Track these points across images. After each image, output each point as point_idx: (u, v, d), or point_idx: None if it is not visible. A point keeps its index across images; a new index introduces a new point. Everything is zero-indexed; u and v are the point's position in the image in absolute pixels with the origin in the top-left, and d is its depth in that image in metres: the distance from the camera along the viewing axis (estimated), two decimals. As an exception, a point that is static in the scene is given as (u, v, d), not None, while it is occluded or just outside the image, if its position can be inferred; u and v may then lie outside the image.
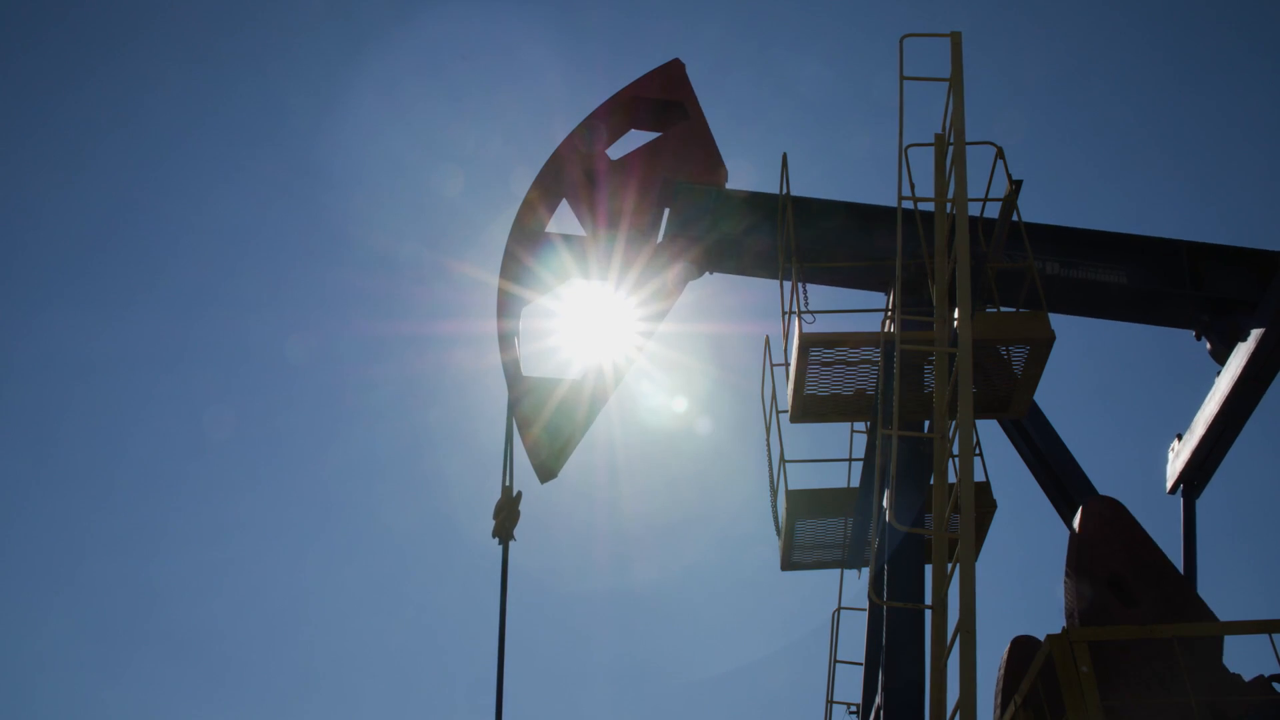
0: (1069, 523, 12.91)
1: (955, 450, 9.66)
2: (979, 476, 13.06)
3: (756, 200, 13.83)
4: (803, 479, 16.99)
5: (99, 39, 36.05)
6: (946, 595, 9.36)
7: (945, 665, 9.07)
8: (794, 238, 12.68)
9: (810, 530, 13.86)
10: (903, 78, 11.70)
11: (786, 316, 12.43)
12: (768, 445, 13.24)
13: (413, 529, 37.49)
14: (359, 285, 37.22)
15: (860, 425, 13.52)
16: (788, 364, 12.47)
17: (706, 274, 13.64)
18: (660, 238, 13.62)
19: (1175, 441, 13.96)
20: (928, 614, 10.18)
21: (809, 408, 12.38)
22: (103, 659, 34.78)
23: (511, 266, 13.37)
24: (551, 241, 13.65)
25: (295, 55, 36.71)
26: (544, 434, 12.17)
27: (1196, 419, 13.58)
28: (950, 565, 9.36)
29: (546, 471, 12.02)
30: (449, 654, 36.27)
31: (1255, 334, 12.51)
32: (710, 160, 14.40)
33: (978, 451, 12.82)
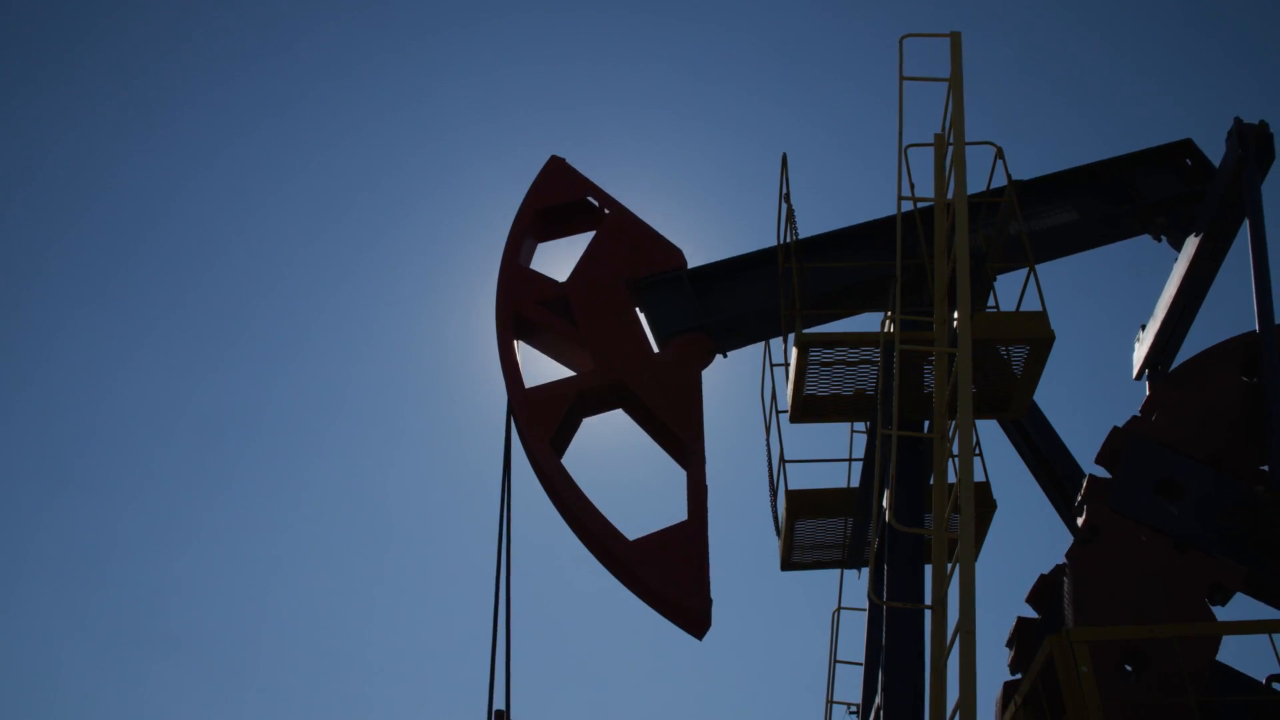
0: (1069, 523, 12.93)
1: (955, 450, 9.66)
2: (979, 476, 13.07)
3: (735, 266, 13.39)
4: (803, 479, 17.00)
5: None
6: (946, 595, 9.37)
7: (945, 665, 9.07)
8: (795, 241, 12.67)
9: (810, 530, 13.85)
10: (902, 78, 11.71)
11: (786, 316, 12.43)
12: (767, 445, 13.25)
13: (416, 528, 37.53)
14: (362, 288, 37.28)
15: (860, 425, 13.53)
16: (787, 364, 12.47)
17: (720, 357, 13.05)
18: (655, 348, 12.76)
19: (1140, 331, 14.72)
20: (928, 614, 10.18)
21: (809, 408, 12.38)
22: (106, 659, 34.79)
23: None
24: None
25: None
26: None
27: (1157, 306, 14.27)
28: (950, 565, 9.37)
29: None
30: (451, 654, 36.29)
31: (1206, 219, 13.37)
32: (655, 244, 13.47)
33: (978, 451, 12.83)
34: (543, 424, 12.01)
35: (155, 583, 35.92)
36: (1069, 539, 13.19)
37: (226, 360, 37.29)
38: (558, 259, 13.87)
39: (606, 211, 13.91)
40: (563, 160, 14.20)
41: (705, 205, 35.51)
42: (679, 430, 11.99)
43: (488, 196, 36.22)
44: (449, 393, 36.84)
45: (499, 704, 11.23)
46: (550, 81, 37.94)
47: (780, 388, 13.22)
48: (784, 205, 12.89)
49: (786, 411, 12.50)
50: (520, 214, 13.76)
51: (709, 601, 10.90)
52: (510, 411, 12.39)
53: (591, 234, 13.91)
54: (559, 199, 13.94)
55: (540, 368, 13.01)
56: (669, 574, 10.98)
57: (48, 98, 35.89)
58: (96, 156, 36.51)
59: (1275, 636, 9.37)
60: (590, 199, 13.99)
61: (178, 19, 36.12)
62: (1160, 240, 14.24)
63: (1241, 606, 12.90)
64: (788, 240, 12.69)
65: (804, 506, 13.56)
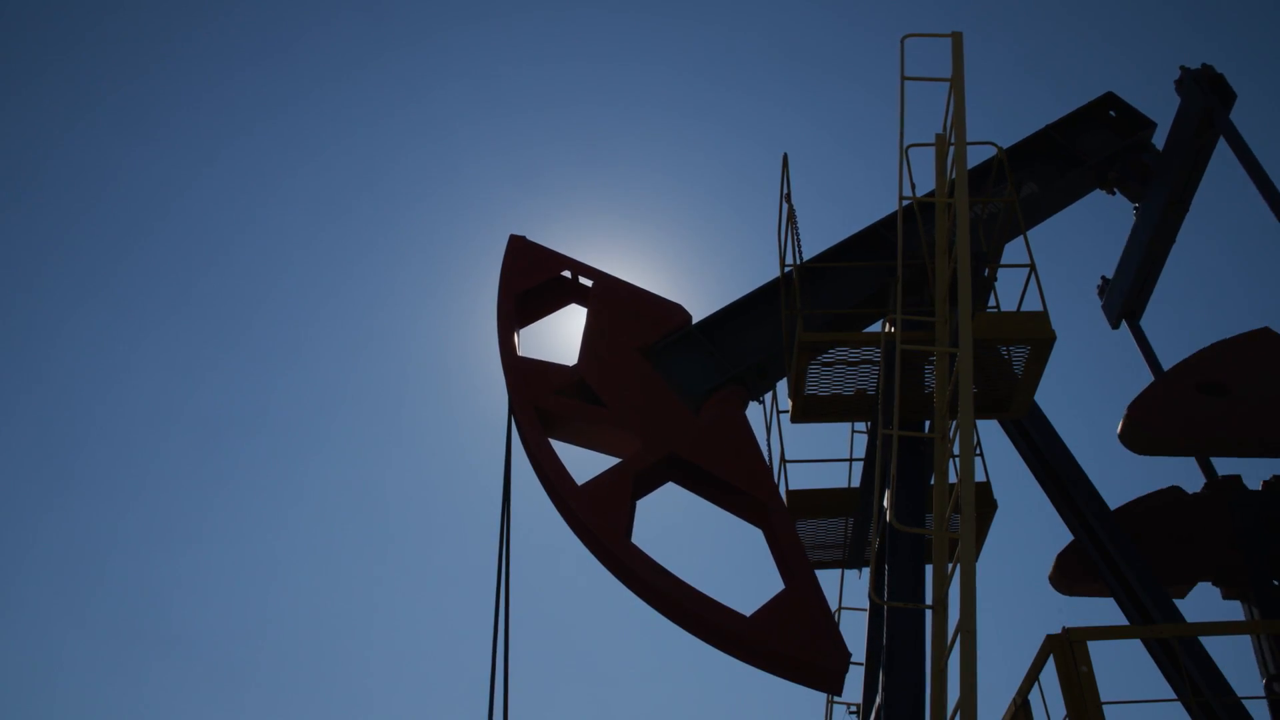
0: (1069, 523, 12.94)
1: (956, 450, 9.66)
2: (979, 476, 13.07)
3: (739, 308, 13.23)
4: (803, 479, 17.01)
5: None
6: (947, 595, 9.37)
7: (946, 665, 9.07)
8: (798, 245, 12.68)
9: (811, 530, 13.86)
10: (904, 78, 11.71)
11: (787, 316, 12.43)
12: (768, 445, 13.24)
13: (416, 528, 37.50)
14: (366, 291, 37.26)
15: (861, 425, 13.53)
16: (788, 364, 12.46)
17: (753, 403, 12.74)
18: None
19: (1100, 282, 15.70)
20: (928, 614, 10.18)
21: (809, 408, 12.37)
22: (106, 659, 34.77)
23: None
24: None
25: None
26: None
27: (1122, 255, 15.21)
28: (951, 565, 9.36)
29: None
30: (451, 654, 36.27)
31: (1170, 167, 14.18)
32: (654, 306, 13.03)
33: (978, 451, 12.84)
34: (615, 521, 11.20)
35: (155, 582, 35.95)
36: (1069, 539, 13.25)
37: (226, 360, 37.33)
38: (539, 340, 13.37)
39: (586, 282, 13.42)
40: (523, 239, 13.69)
41: (706, 205, 35.53)
42: (751, 489, 11.44)
43: (488, 196, 36.26)
44: (449, 393, 36.89)
45: (499, 704, 11.21)
46: (550, 81, 37.97)
47: (781, 387, 13.24)
48: (785, 205, 12.90)
49: (787, 412, 12.52)
50: (501, 306, 13.07)
51: (848, 656, 10.46)
52: (510, 409, 12.35)
53: (573, 306, 13.49)
54: (533, 281, 13.37)
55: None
56: (805, 642, 10.45)
57: (48, 98, 35.92)
58: (96, 156, 36.53)
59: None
60: (564, 273, 13.52)
61: (178, 19, 36.16)
62: (1114, 194, 14.89)
63: (1239, 607, 12.95)
64: (788, 240, 12.71)
65: (805, 506, 13.57)
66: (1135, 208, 15.11)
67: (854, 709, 13.64)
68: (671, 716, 34.85)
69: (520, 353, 12.83)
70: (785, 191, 12.92)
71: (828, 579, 14.66)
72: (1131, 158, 14.63)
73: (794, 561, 10.98)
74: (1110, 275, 16.20)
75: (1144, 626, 11.46)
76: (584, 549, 11.53)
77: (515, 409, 12.18)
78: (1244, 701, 10.81)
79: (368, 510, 37.16)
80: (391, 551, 37.89)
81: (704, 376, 12.61)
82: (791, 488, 13.62)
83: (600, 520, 11.17)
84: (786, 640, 10.45)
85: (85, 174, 36.39)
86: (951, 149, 11.34)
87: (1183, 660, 11.52)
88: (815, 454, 14.05)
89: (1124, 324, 16.13)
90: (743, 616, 10.60)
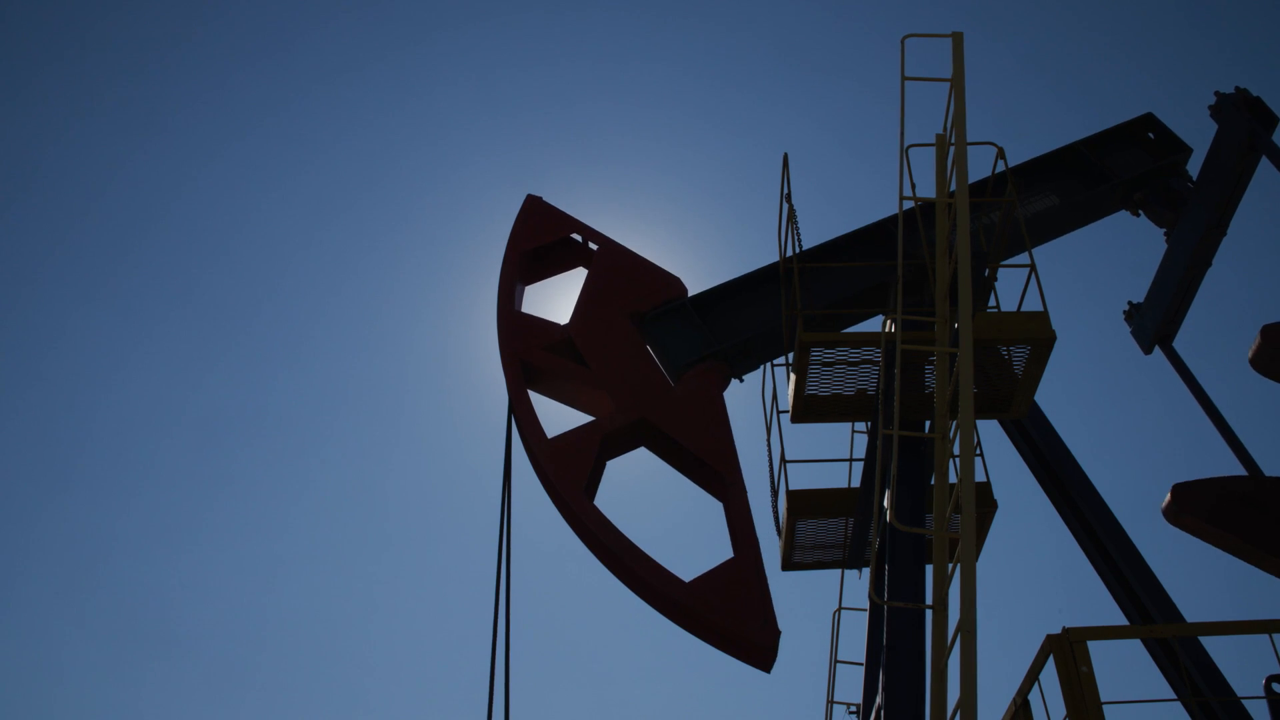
0: (1069, 523, 12.95)
1: (956, 450, 9.66)
2: (979, 476, 13.08)
3: (736, 287, 13.32)
4: (803, 479, 17.02)
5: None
6: (947, 595, 9.37)
7: (946, 665, 9.07)
8: (798, 245, 12.68)
9: (811, 530, 13.86)
10: (904, 78, 11.71)
11: (787, 316, 12.44)
12: (768, 445, 13.25)
13: (416, 528, 37.51)
14: (367, 293, 37.27)
15: (861, 425, 13.54)
16: (788, 364, 12.46)
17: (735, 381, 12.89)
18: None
19: (1128, 307, 15.32)
20: (928, 614, 10.19)
21: (810, 408, 12.38)
22: (106, 659, 34.78)
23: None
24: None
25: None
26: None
27: (1159, 280, 14.82)
28: (951, 565, 9.36)
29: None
30: (451, 654, 36.28)
31: (1209, 191, 13.86)
32: (652, 275, 13.26)
33: (978, 451, 12.85)
34: (574, 475, 11.57)
35: (155, 583, 35.95)
36: (1069, 539, 13.25)
37: (226, 360, 37.33)
38: (547, 298, 13.66)
39: (593, 247, 13.65)
40: (539, 199, 13.93)
41: (706, 205, 35.54)
42: (714, 462, 11.69)
43: (488, 196, 36.25)
44: (449, 393, 36.89)
45: (499, 704, 11.22)
46: (550, 81, 37.98)
47: (781, 388, 13.26)
48: (785, 205, 12.91)
49: (788, 411, 12.52)
50: (506, 259, 13.40)
51: (778, 633, 10.60)
52: (510, 409, 12.36)
53: (578, 270, 13.70)
54: (542, 239, 13.65)
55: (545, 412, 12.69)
56: (735, 612, 10.61)
57: (48, 98, 35.92)
58: (97, 156, 36.54)
59: (1275, 636, 9.36)
60: (574, 235, 13.74)
61: (178, 19, 36.15)
62: (1138, 215, 14.68)
63: (1240, 607, 12.93)
64: (788, 239, 12.71)
65: (805, 506, 13.58)
66: (1165, 233, 14.78)
67: (854, 709, 13.65)
68: (671, 716, 34.87)
69: (524, 309, 13.21)
70: (785, 191, 12.93)
71: (828, 579, 14.71)
72: (1159, 181, 14.44)
73: (742, 536, 11.21)
74: (1133, 298, 15.78)
75: (1144, 626, 11.46)
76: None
77: (502, 358, 12.56)
78: (1244, 701, 10.81)
79: (368, 510, 37.20)
80: (391, 551, 37.93)
81: (688, 349, 12.79)
82: (792, 488, 13.64)
83: (561, 473, 11.55)
84: (717, 610, 10.66)
85: (85, 173, 36.43)
86: (952, 149, 11.34)
87: (1183, 660, 11.53)
88: (815, 454, 14.08)
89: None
90: (682, 582, 10.84)
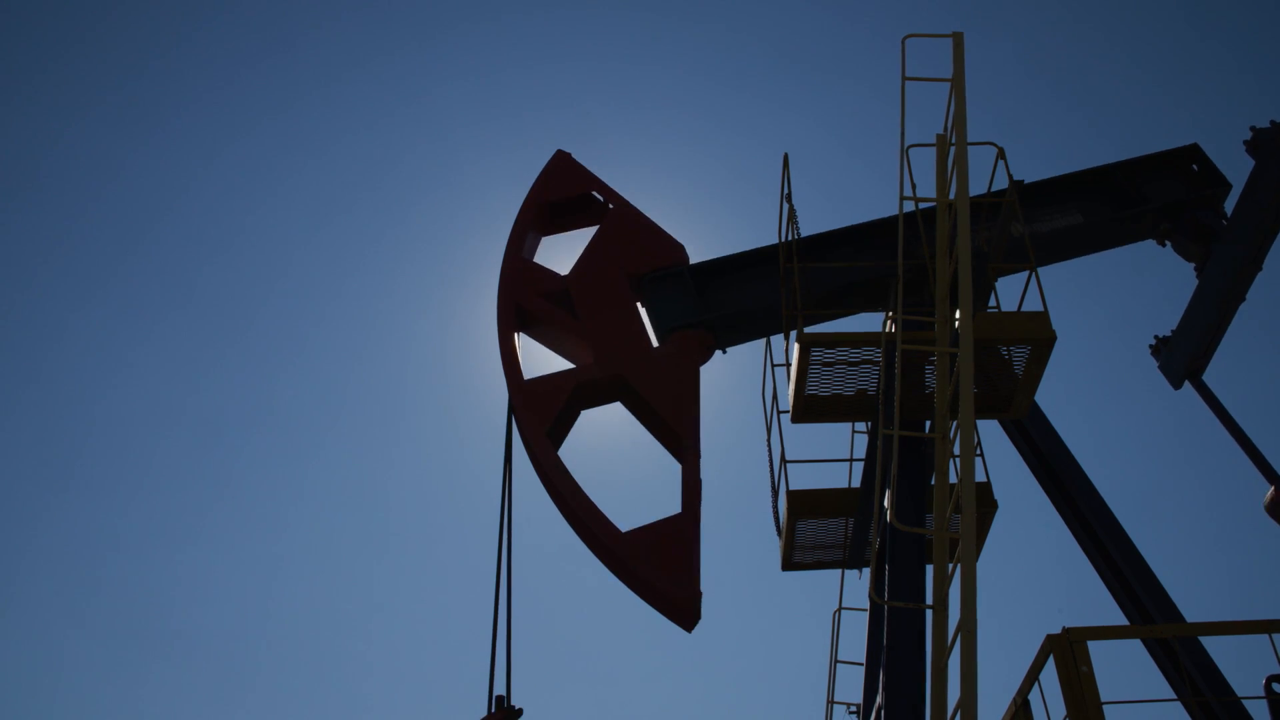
0: (1069, 523, 12.95)
1: (956, 450, 9.67)
2: (980, 476, 13.08)
3: (736, 263, 13.46)
4: (803, 479, 17.02)
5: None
6: (948, 595, 9.37)
7: (946, 665, 9.07)
8: (796, 238, 12.68)
9: (811, 530, 13.86)
10: (905, 78, 11.71)
11: (787, 316, 12.44)
12: (768, 445, 13.26)
13: (416, 528, 37.52)
14: (368, 291, 37.27)
15: (861, 425, 13.54)
16: (789, 364, 12.47)
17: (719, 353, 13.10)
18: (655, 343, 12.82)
19: (1154, 341, 14.93)
20: (929, 614, 10.19)
21: (810, 408, 12.39)
22: (106, 659, 34.77)
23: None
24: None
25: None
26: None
27: (1190, 314, 14.37)
28: (951, 565, 9.37)
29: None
30: (451, 653, 36.29)
31: (1243, 221, 13.40)
32: (657, 239, 13.57)
33: (978, 451, 12.85)
34: (540, 415, 12.09)
35: (155, 582, 35.95)
36: (1069, 539, 13.26)
37: (227, 360, 37.32)
38: (561, 253, 14.02)
39: (611, 206, 14.01)
40: (569, 155, 14.33)
41: (707, 205, 35.53)
42: (675, 425, 12.04)
43: (488, 196, 36.26)
44: (449, 393, 36.89)
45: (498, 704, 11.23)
46: (551, 81, 37.99)
47: (781, 388, 13.25)
48: (785, 205, 12.92)
49: (788, 411, 12.52)
50: (525, 207, 13.88)
51: (698, 593, 10.90)
52: (511, 408, 12.40)
53: (595, 228, 14.00)
54: (564, 193, 14.08)
55: (543, 363, 13.09)
56: (659, 565, 11.02)
57: (48, 98, 35.92)
58: (97, 156, 36.53)
59: (1275, 636, 9.37)
60: (595, 194, 14.11)
61: (178, 19, 36.16)
62: (1165, 245, 14.28)
63: (1240, 607, 12.93)
64: (789, 239, 12.71)
65: (805, 506, 13.57)
66: (1195, 268, 14.34)
67: (854, 709, 13.65)
68: (671, 716, 34.88)
69: (538, 260, 13.73)
70: (785, 191, 12.94)
71: (828, 579, 14.72)
72: (1189, 214, 14.03)
73: (688, 499, 11.53)
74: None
75: (1144, 626, 11.46)
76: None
77: (499, 299, 13.09)
78: (1244, 701, 10.81)
79: (368, 510, 37.20)
80: (392, 551, 37.94)
81: (677, 313, 12.99)
82: (792, 488, 13.64)
83: (528, 411, 12.10)
84: (644, 561, 11.05)
85: (85, 173, 36.42)
86: (952, 149, 11.35)
87: (1183, 660, 11.53)
88: (815, 454, 14.07)
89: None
90: (619, 531, 11.27)
